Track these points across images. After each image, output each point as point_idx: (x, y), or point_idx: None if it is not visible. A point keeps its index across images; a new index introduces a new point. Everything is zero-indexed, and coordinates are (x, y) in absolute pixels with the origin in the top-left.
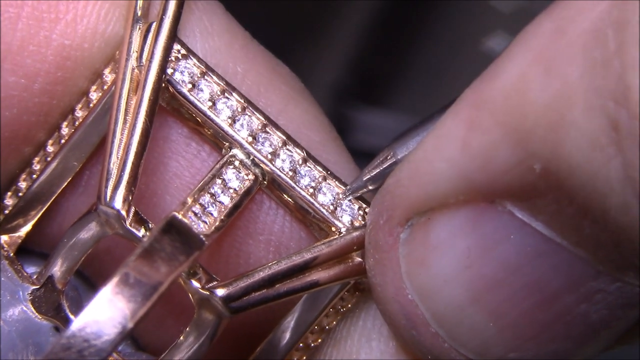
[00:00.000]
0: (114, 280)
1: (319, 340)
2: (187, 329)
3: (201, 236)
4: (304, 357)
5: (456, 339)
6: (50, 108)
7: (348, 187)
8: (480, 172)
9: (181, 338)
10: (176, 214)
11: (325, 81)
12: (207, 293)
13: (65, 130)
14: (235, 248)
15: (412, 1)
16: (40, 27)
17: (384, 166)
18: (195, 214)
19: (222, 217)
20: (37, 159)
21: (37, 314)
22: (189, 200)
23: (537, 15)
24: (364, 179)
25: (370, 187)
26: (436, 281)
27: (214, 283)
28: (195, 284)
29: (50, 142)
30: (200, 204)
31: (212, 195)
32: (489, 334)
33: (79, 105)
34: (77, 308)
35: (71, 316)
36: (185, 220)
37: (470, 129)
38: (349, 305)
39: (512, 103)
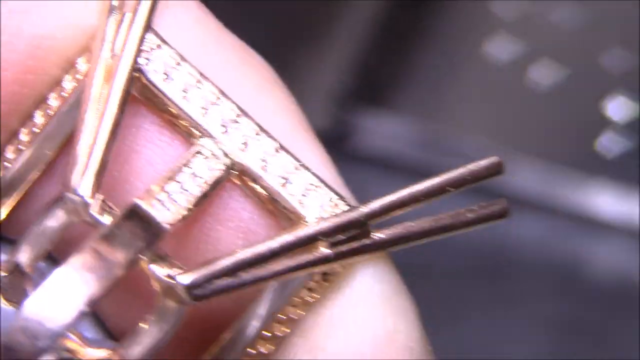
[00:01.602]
0: (70, 262)
1: (287, 330)
2: (151, 316)
3: (164, 224)
4: (272, 347)
5: None
6: (22, 97)
7: None
8: None
9: (143, 325)
10: (138, 201)
11: (327, 84)
12: (170, 280)
13: (38, 119)
14: (204, 234)
15: (413, 5)
16: (12, 17)
17: None
18: (160, 202)
19: (189, 207)
20: (11, 147)
21: (4, 300)
22: (155, 188)
23: (539, 18)
24: None
25: None
26: None
27: (178, 270)
28: (159, 270)
29: (24, 131)
30: (166, 192)
31: (180, 183)
32: None
33: (53, 95)
34: None
35: None
36: (148, 208)
37: None
38: (318, 296)
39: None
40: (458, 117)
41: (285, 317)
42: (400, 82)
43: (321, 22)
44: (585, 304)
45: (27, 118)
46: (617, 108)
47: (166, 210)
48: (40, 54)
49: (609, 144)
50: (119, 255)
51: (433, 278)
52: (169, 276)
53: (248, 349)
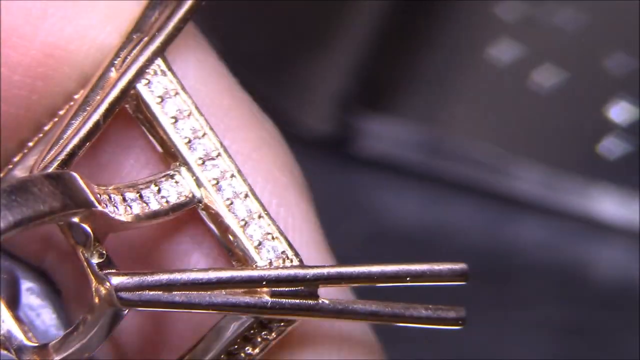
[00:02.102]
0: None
1: None
2: (84, 315)
3: (98, 206)
4: None
5: None
6: (31, 103)
7: None
8: None
9: (77, 325)
10: (75, 174)
11: (331, 88)
12: (103, 276)
13: (47, 129)
14: (158, 250)
15: (416, 9)
16: (28, 20)
17: None
18: (111, 201)
19: (141, 216)
20: (19, 155)
21: None
22: (111, 188)
23: (541, 21)
24: None
25: None
26: None
27: (113, 270)
28: (95, 262)
29: (34, 140)
30: (122, 196)
31: (140, 195)
32: None
33: (66, 107)
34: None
35: None
36: (83, 184)
37: None
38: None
39: None
40: (461, 121)
41: (237, 353)
42: (403, 86)
43: (325, 27)
44: (588, 306)
45: (38, 128)
46: (619, 111)
47: (115, 209)
48: (52, 62)
49: (612, 147)
50: (24, 209)
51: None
52: (103, 273)
53: None
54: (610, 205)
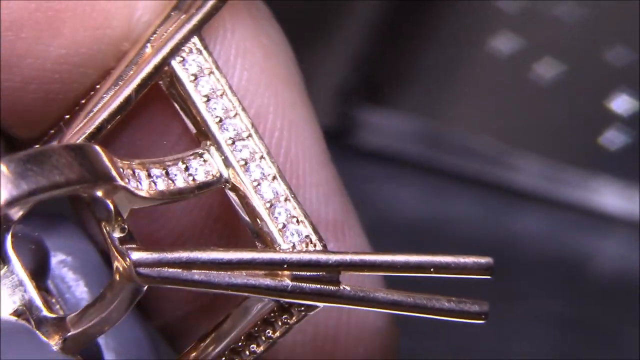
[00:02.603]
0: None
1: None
2: (104, 290)
3: (117, 178)
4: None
5: None
6: (69, 77)
7: None
8: None
9: (96, 299)
10: (97, 146)
11: (330, 81)
12: (123, 251)
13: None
14: (184, 229)
15: (417, 1)
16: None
17: None
18: (135, 176)
19: (166, 192)
20: (55, 128)
21: None
22: (136, 162)
23: (541, 14)
24: None
25: None
26: None
27: (134, 246)
28: (116, 237)
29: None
30: (147, 171)
31: (167, 172)
32: None
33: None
34: (21, 249)
35: (9, 253)
36: (105, 157)
37: None
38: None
39: None
40: (461, 113)
41: (258, 335)
42: (404, 78)
43: (325, 20)
44: (589, 299)
45: (77, 103)
46: (620, 103)
47: (138, 183)
48: (90, 39)
49: (612, 139)
50: (43, 177)
51: None
52: (124, 248)
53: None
54: (611, 197)
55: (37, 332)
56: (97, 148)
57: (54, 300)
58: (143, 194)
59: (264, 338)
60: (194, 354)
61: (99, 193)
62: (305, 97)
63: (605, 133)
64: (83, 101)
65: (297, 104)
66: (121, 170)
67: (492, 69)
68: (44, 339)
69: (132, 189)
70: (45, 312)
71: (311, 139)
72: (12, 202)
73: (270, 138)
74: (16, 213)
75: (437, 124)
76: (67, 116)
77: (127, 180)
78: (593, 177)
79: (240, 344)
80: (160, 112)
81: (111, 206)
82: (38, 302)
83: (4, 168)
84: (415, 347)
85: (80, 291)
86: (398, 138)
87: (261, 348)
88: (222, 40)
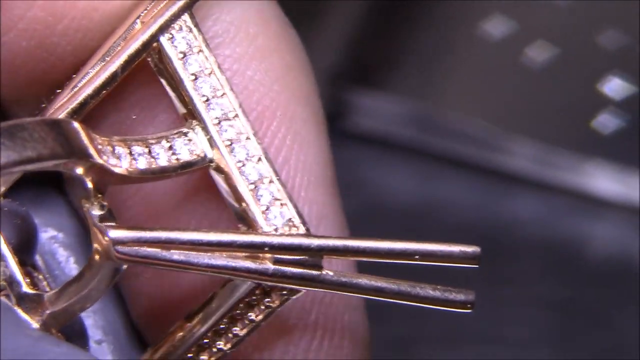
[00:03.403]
0: None
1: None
2: (84, 268)
3: (93, 155)
4: (229, 345)
5: None
6: (63, 52)
7: None
8: None
9: (74, 278)
10: (74, 122)
11: (321, 64)
12: (102, 229)
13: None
14: (164, 212)
15: None
16: None
17: None
18: (114, 154)
19: (147, 171)
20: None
21: None
22: (116, 139)
23: None
24: None
25: None
26: None
27: (113, 224)
28: (95, 214)
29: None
30: (129, 149)
31: (149, 150)
32: None
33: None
34: (6, 224)
35: None
36: (82, 133)
37: None
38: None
39: None
40: (453, 97)
41: (240, 318)
42: (394, 61)
43: (315, 3)
44: (583, 283)
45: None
46: (613, 87)
47: (117, 161)
48: (80, 14)
49: (606, 122)
50: (15, 152)
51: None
52: (103, 225)
53: (202, 341)
54: (604, 181)
55: (16, 308)
56: (75, 123)
57: (41, 277)
58: (122, 171)
59: (246, 321)
60: (180, 334)
61: (78, 170)
62: (317, 108)
63: (599, 116)
64: (74, 76)
65: (306, 117)
66: (100, 147)
67: (484, 52)
68: (24, 315)
69: (110, 167)
70: (25, 289)
71: (313, 155)
72: None
73: (270, 142)
74: None
75: (429, 107)
76: (58, 90)
77: (105, 158)
78: (586, 161)
79: (223, 326)
80: (148, 90)
81: (89, 184)
82: (19, 277)
83: None
84: (404, 333)
85: (70, 268)
86: (390, 121)
87: (244, 331)
88: (234, 39)
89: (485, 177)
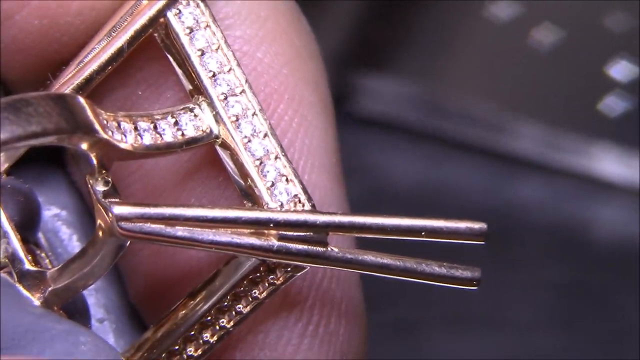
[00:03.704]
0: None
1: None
2: (86, 245)
3: (99, 130)
4: (232, 322)
5: None
6: (75, 27)
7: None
8: None
9: (77, 255)
10: (79, 97)
11: (327, 46)
12: (106, 205)
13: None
14: (171, 188)
15: None
16: None
17: None
18: (120, 129)
19: (152, 147)
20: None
21: None
22: (122, 114)
23: None
24: None
25: None
26: None
27: (117, 200)
28: (99, 190)
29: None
30: (134, 125)
31: (155, 126)
32: None
33: None
34: (9, 201)
35: None
36: (87, 108)
37: None
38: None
39: None
40: (458, 79)
41: (244, 295)
42: (401, 44)
43: None
44: (588, 265)
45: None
46: (619, 69)
47: (123, 137)
48: None
49: (612, 105)
50: (19, 127)
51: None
52: (107, 201)
53: (205, 318)
54: (610, 164)
55: (18, 285)
56: (80, 99)
57: (43, 255)
58: (127, 147)
59: (250, 298)
60: (182, 312)
61: (83, 145)
62: (329, 108)
63: (605, 99)
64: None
65: (313, 101)
66: (105, 122)
67: (491, 35)
68: (25, 292)
69: (115, 142)
70: (28, 266)
71: (319, 140)
72: None
73: (276, 124)
74: (1, 164)
75: (435, 90)
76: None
77: (110, 133)
78: (592, 144)
79: (226, 303)
80: (155, 67)
81: (94, 159)
82: (21, 255)
83: None
84: (407, 316)
85: (72, 246)
86: (396, 104)
87: (247, 308)
88: (245, 21)
89: (492, 160)
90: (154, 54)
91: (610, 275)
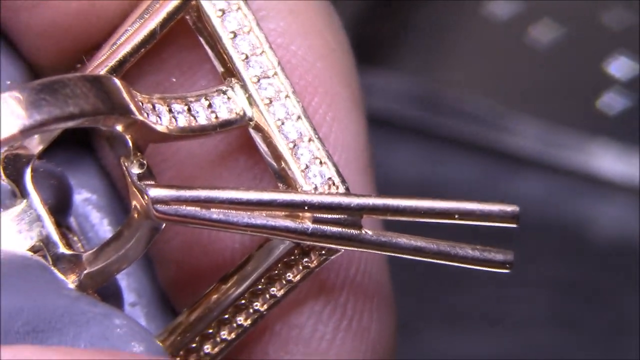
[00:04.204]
0: (12, 93)
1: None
2: (121, 227)
3: (135, 112)
4: (265, 306)
5: None
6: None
7: None
8: None
9: (112, 238)
10: (115, 78)
11: None
12: (141, 187)
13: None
14: (204, 170)
15: None
16: None
17: None
18: (155, 111)
19: (187, 129)
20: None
21: (3, 174)
22: (156, 97)
23: None
24: None
25: None
26: None
27: (152, 182)
28: (135, 172)
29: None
30: (168, 107)
31: (189, 108)
32: None
33: None
34: (42, 184)
35: (28, 187)
36: (123, 90)
37: None
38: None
39: None
40: (458, 76)
41: (278, 278)
42: (400, 41)
43: None
44: (587, 263)
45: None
46: (618, 66)
47: (158, 119)
48: None
49: (611, 102)
50: (57, 108)
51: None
52: (142, 184)
53: (239, 302)
54: (609, 161)
55: (52, 268)
56: (116, 80)
57: (75, 238)
58: (162, 129)
59: (284, 281)
60: (215, 296)
61: (118, 127)
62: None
63: (604, 96)
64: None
65: (346, 97)
66: (140, 104)
67: (490, 32)
68: (60, 275)
69: (151, 124)
70: (62, 249)
71: (352, 135)
72: (24, 132)
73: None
74: (35, 147)
75: (433, 86)
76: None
77: (146, 115)
78: (591, 141)
79: (260, 286)
80: (189, 55)
81: (129, 141)
82: (56, 238)
83: (17, 97)
84: (405, 313)
85: (103, 230)
86: (395, 101)
87: (281, 291)
88: (279, 13)
89: (490, 157)
90: (187, 42)
91: (609, 273)
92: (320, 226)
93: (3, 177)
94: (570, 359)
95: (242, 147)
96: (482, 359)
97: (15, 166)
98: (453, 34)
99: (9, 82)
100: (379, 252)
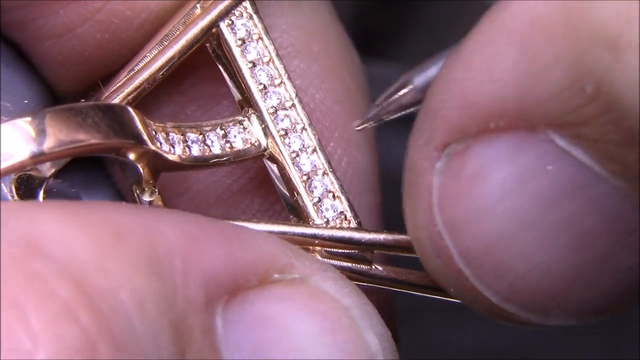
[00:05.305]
0: (24, 119)
1: None
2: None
3: (147, 141)
4: None
5: (481, 279)
6: (128, 33)
7: (362, 116)
8: (527, 95)
9: None
10: (129, 107)
11: None
12: None
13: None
14: (217, 205)
15: None
16: None
17: (399, 94)
18: (168, 140)
19: (200, 158)
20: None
21: (15, 195)
22: (170, 125)
23: None
24: (377, 109)
25: (385, 118)
26: (466, 215)
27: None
28: (146, 200)
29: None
30: (183, 136)
31: (204, 137)
32: (517, 275)
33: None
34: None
35: None
36: (137, 119)
37: (523, 50)
38: None
39: (569, 23)
40: None
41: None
42: (401, 32)
43: None
44: None
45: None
46: None
47: (170, 148)
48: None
49: None
50: (68, 135)
51: None
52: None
53: None
54: None
55: None
56: (129, 109)
57: None
58: (174, 158)
59: None
60: None
61: (131, 156)
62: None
63: None
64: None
65: (361, 141)
66: (153, 133)
67: None
68: None
69: (163, 153)
70: None
71: (365, 182)
72: (34, 158)
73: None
74: (48, 169)
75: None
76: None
77: (159, 144)
78: None
79: None
80: (207, 80)
81: (141, 169)
82: None
83: (29, 122)
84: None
85: None
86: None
87: None
88: (299, 54)
89: None
90: (208, 73)
91: None
92: (330, 260)
93: (16, 197)
94: (570, 353)
95: (255, 176)
96: (481, 348)
97: (28, 187)
98: (455, 25)
99: (25, 102)
100: (390, 288)
